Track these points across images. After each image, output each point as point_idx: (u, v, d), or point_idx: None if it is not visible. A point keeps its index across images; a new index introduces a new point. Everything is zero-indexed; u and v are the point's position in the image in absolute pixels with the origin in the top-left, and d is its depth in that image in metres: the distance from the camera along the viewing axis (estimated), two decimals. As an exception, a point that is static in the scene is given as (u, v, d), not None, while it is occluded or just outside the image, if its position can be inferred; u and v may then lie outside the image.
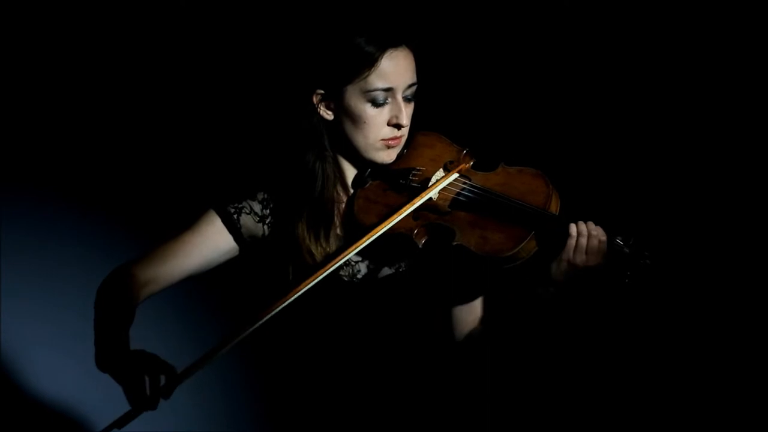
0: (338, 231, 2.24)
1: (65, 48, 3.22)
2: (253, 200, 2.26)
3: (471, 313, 2.29)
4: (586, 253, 2.09)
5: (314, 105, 2.20)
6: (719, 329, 2.93)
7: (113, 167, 3.30)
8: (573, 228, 2.10)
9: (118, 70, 3.25)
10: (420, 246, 2.15)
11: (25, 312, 3.24)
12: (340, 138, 2.21)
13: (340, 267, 2.19)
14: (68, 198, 3.29)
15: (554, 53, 2.91)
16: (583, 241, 2.09)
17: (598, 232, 2.10)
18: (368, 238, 2.12)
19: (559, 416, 3.14)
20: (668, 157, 2.97)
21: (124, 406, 3.28)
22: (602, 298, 2.85)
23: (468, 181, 2.19)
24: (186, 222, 2.23)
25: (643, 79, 2.96)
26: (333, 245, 2.23)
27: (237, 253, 2.25)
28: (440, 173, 2.21)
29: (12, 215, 3.25)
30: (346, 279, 2.22)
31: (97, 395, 3.28)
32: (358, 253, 2.18)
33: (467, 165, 2.22)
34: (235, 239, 2.23)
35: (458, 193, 2.17)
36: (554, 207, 2.14)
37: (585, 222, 2.11)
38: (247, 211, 2.24)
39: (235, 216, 2.23)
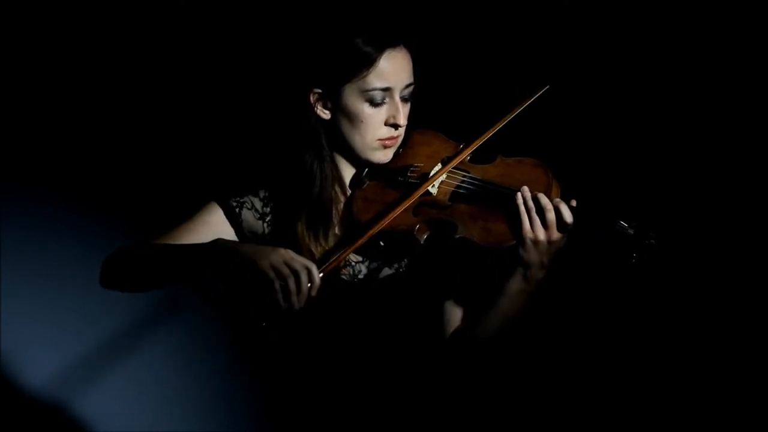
0: (337, 231, 2.24)
1: (65, 48, 3.22)
2: (255, 196, 2.25)
3: (460, 310, 2.29)
4: (546, 228, 2.07)
5: (311, 104, 2.20)
6: (724, 314, 2.93)
7: (113, 167, 3.30)
8: (518, 199, 2.08)
9: (119, 70, 3.25)
10: (422, 242, 2.15)
11: (25, 312, 3.25)
12: (337, 137, 2.21)
13: (342, 267, 2.20)
14: (68, 198, 3.29)
15: (553, 52, 2.92)
16: (536, 216, 2.07)
17: (557, 205, 2.07)
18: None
19: (560, 414, 3.14)
20: (667, 141, 2.98)
21: (124, 407, 3.31)
22: (610, 282, 2.86)
23: (467, 174, 2.18)
24: (186, 214, 2.23)
25: (641, 77, 2.96)
26: (332, 245, 2.22)
27: None
28: (438, 168, 2.21)
29: (12, 215, 3.25)
30: (346, 279, 2.21)
31: (97, 395, 3.29)
32: (358, 253, 2.19)
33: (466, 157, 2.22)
34: (237, 233, 2.23)
35: (458, 186, 2.17)
36: (555, 195, 2.12)
37: (538, 193, 2.08)
38: (249, 207, 2.24)
39: (237, 210, 2.22)
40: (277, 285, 1.99)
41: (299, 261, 2.01)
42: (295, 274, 1.99)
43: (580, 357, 3.11)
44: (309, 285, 2.00)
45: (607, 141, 3.01)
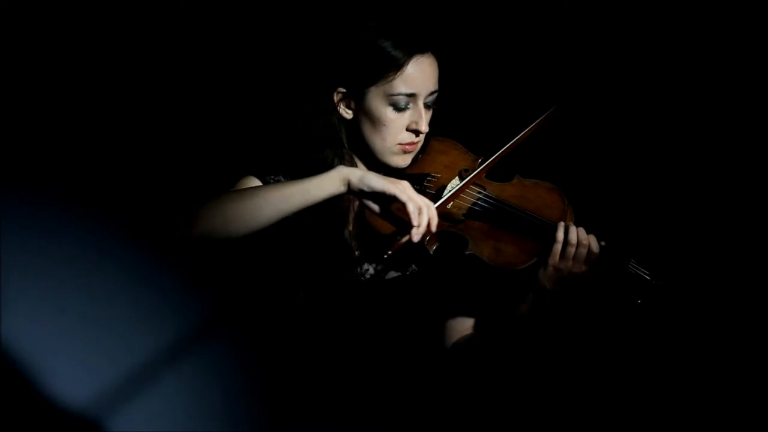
0: (350, 228, 2.25)
1: (68, 48, 3.21)
2: (286, 177, 2.25)
3: (463, 323, 2.31)
4: (573, 260, 2.11)
5: (335, 103, 2.22)
6: (727, 340, 2.95)
7: (113, 167, 3.29)
8: (560, 232, 2.12)
9: (119, 70, 3.24)
10: (431, 252, 2.16)
11: (25, 312, 3.23)
12: (358, 138, 2.23)
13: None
14: (68, 198, 3.28)
15: (561, 59, 2.92)
16: (571, 250, 2.11)
17: (589, 241, 2.12)
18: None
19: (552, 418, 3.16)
20: (680, 174, 2.94)
21: (125, 407, 3.31)
22: (608, 314, 2.87)
23: (483, 191, 2.19)
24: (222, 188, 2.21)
25: (644, 81, 2.96)
26: (344, 241, 2.24)
27: None
28: (456, 181, 2.21)
29: (12, 215, 3.24)
30: (353, 278, 2.23)
31: (98, 395, 3.28)
32: (365, 255, 2.20)
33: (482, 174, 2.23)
34: None
35: (474, 203, 2.18)
36: (569, 221, 2.15)
37: (576, 228, 2.12)
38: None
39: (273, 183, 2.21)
40: (411, 206, 1.99)
41: (420, 197, 2.02)
42: (422, 207, 2.00)
43: (573, 362, 3.13)
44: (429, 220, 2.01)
45: (609, 154, 3.01)
